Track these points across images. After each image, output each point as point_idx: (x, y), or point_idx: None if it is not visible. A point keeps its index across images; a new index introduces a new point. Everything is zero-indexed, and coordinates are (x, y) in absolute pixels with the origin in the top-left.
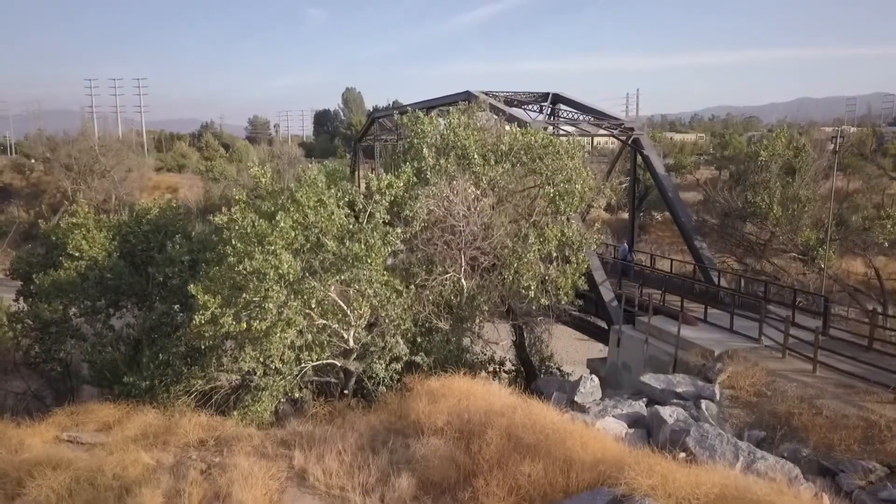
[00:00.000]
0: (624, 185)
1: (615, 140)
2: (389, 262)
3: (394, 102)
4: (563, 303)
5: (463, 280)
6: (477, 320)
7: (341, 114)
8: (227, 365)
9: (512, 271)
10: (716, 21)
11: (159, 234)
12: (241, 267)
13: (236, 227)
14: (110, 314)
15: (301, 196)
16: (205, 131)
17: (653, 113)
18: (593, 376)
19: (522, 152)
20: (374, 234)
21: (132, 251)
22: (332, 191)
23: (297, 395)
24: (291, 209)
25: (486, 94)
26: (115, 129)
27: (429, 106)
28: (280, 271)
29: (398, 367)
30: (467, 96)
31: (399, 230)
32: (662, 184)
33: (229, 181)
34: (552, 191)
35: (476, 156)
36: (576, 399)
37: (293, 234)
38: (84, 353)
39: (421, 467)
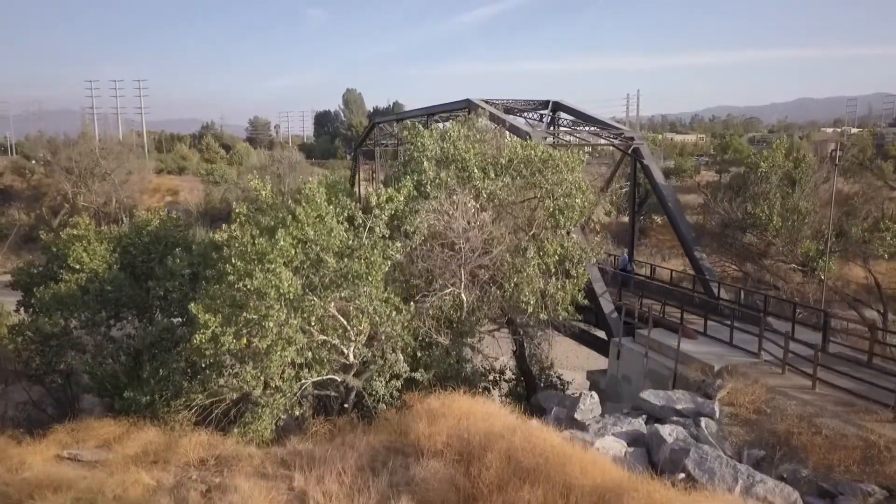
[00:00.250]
0: (624, 190)
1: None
2: (387, 267)
3: (394, 104)
4: (561, 318)
5: (463, 294)
6: (477, 335)
7: (342, 115)
8: (227, 380)
9: (512, 284)
10: (716, 21)
11: (159, 246)
12: (241, 284)
13: (236, 245)
14: (111, 325)
15: (300, 213)
16: (206, 132)
17: (653, 113)
18: (593, 393)
19: (522, 166)
20: (374, 251)
21: (132, 262)
22: (332, 207)
23: (297, 412)
24: (291, 227)
25: (486, 101)
26: (115, 130)
27: (429, 112)
28: (281, 290)
29: (398, 384)
30: (467, 104)
31: (399, 244)
32: (662, 194)
33: (230, 185)
34: (552, 205)
35: (476, 170)
36: (576, 416)
37: (293, 252)
38: (85, 365)
39: (421, 490)
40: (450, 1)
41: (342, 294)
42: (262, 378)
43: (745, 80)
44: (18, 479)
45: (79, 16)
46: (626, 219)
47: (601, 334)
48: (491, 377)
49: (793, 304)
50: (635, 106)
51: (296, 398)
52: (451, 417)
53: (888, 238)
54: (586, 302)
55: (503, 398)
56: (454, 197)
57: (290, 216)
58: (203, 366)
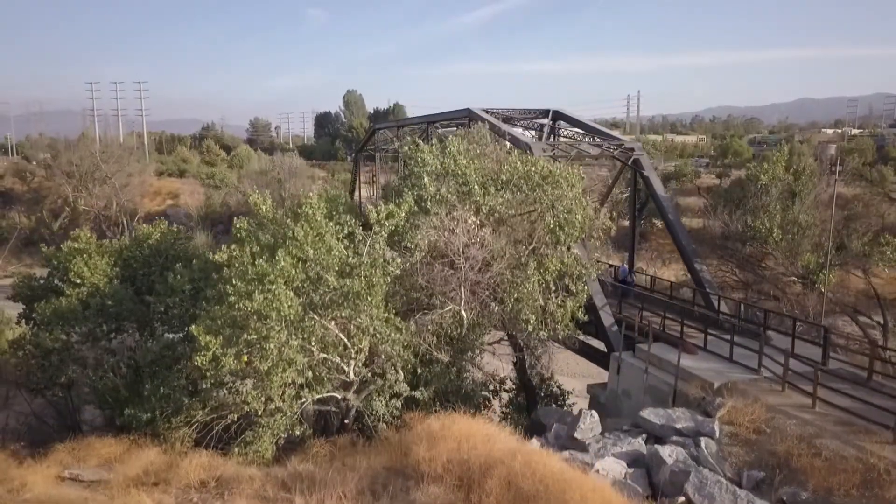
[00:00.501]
0: (624, 195)
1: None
2: (387, 286)
3: (394, 105)
4: (560, 336)
5: (463, 312)
6: (477, 351)
7: (342, 116)
8: (228, 397)
9: (512, 300)
10: (716, 21)
11: (160, 258)
12: (241, 305)
13: (237, 266)
14: (111, 339)
15: (300, 233)
16: (206, 134)
17: (653, 114)
18: (593, 412)
19: (522, 181)
20: (374, 270)
21: (133, 276)
22: (331, 224)
23: (297, 431)
24: (291, 246)
25: (486, 111)
26: (116, 131)
27: (430, 121)
28: (282, 312)
29: (398, 403)
30: (468, 114)
31: (399, 261)
32: (662, 205)
33: (230, 189)
34: (552, 221)
35: (476, 185)
36: (575, 435)
37: (293, 272)
38: (86, 379)
39: None
40: (450, 1)
41: (343, 313)
42: (262, 398)
43: (746, 81)
44: (20, 501)
45: (79, 16)
46: (626, 223)
47: (601, 345)
48: (491, 387)
49: (793, 318)
50: (636, 107)
51: (296, 416)
52: (451, 440)
53: (888, 252)
54: (587, 318)
55: (504, 408)
56: (454, 213)
57: (290, 233)
58: (204, 387)
